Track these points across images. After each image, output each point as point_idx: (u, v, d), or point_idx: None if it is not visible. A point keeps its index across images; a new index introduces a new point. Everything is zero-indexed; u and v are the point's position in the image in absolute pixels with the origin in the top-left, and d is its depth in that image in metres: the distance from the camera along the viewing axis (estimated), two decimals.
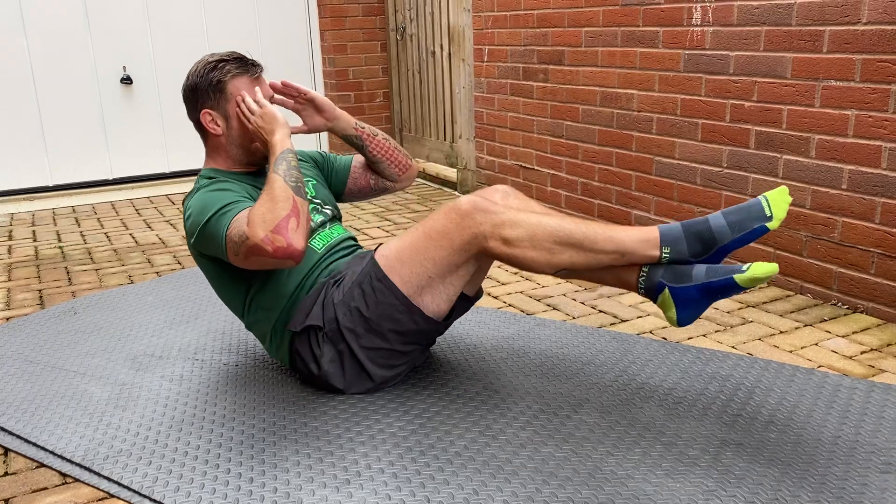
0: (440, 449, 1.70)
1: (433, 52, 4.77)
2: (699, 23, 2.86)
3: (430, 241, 1.79)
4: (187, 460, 1.70)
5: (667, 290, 1.74)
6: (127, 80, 4.82)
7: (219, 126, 1.97)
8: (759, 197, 1.73)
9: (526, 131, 3.91)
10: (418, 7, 4.84)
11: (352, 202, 2.37)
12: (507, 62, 3.96)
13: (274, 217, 1.70)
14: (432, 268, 1.81)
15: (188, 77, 1.97)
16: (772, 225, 1.68)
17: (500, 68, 4.03)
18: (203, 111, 1.96)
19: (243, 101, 1.94)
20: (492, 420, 1.82)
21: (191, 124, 5.19)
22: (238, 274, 1.97)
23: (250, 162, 2.03)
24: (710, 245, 1.71)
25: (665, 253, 1.73)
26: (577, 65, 3.48)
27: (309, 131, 2.18)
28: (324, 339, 1.91)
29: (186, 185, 5.01)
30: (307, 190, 2.09)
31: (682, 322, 1.75)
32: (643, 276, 1.77)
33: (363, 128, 2.20)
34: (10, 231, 4.03)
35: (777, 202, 1.69)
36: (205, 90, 1.95)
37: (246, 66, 1.97)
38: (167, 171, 5.05)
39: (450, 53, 4.56)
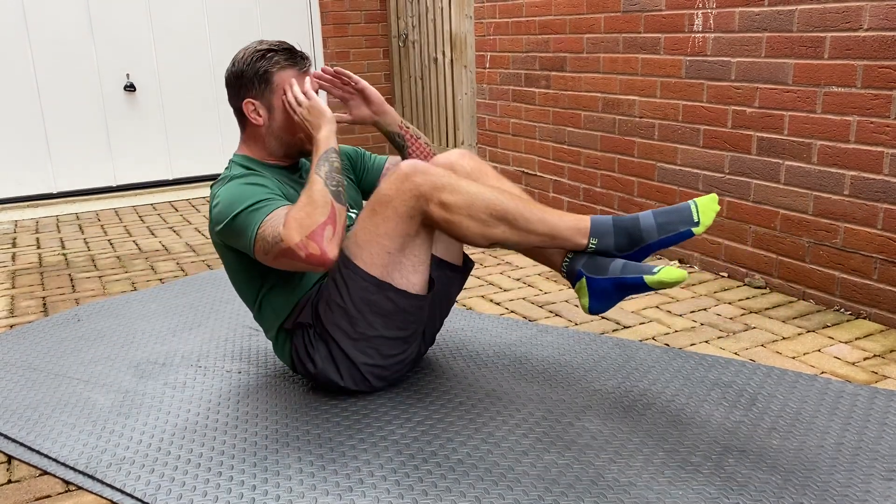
0: (442, 456, 1.70)
1: (435, 59, 4.78)
2: (700, 29, 2.86)
3: (377, 216, 1.79)
4: (190, 468, 1.70)
5: (584, 279, 1.80)
6: (130, 88, 4.84)
7: (260, 117, 1.94)
8: (689, 201, 1.78)
9: (528, 137, 3.92)
10: (420, 14, 4.86)
11: None
12: (509, 69, 3.97)
13: (311, 223, 1.71)
14: (388, 243, 1.80)
15: (234, 63, 1.94)
16: (697, 230, 1.74)
17: (502, 75, 4.03)
18: (246, 100, 1.93)
19: (291, 89, 1.91)
20: (494, 427, 1.82)
21: (193, 131, 5.16)
22: (254, 270, 1.95)
23: (286, 155, 2.00)
24: (636, 242, 1.77)
25: (592, 243, 1.79)
26: (579, 71, 3.49)
27: (353, 121, 2.14)
28: (315, 338, 1.91)
29: (190, 192, 5.02)
30: None
31: (592, 311, 1.82)
32: (566, 261, 1.84)
33: (408, 128, 2.16)
34: (14, 238, 4.04)
35: (705, 209, 1.75)
36: (250, 79, 1.91)
37: (294, 58, 1.93)
38: (170, 178, 5.07)
39: (452, 60, 4.57)
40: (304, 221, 1.71)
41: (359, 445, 1.76)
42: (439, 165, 1.90)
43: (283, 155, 2.00)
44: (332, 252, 1.72)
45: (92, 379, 2.20)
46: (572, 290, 2.85)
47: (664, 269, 1.69)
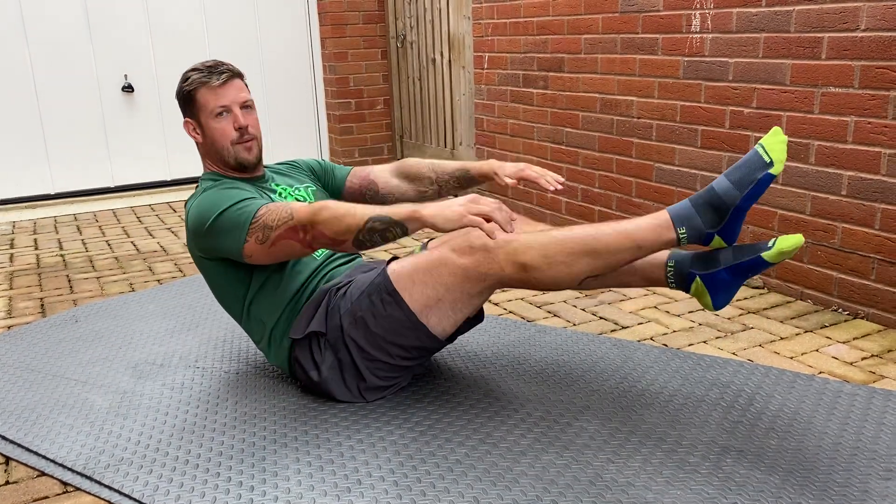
0: (441, 457, 1.70)
1: (433, 60, 4.78)
2: (698, 30, 2.86)
3: (444, 268, 1.79)
4: (188, 469, 1.70)
5: (698, 279, 1.74)
6: (128, 89, 4.84)
7: (198, 134, 2.04)
8: (755, 147, 1.68)
9: (526, 138, 3.92)
10: (418, 15, 4.86)
11: None
12: (507, 69, 3.97)
13: (322, 227, 1.73)
14: (444, 292, 1.81)
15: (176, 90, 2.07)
16: (775, 170, 1.64)
17: (500, 75, 4.04)
18: (185, 120, 2.06)
19: (498, 213, 1.66)
20: (492, 428, 1.82)
21: None
22: (237, 277, 1.99)
23: (231, 167, 2.05)
24: (723, 210, 1.67)
25: (682, 233, 1.70)
26: (577, 72, 3.49)
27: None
28: (325, 346, 1.91)
29: (188, 193, 5.01)
30: (306, 197, 2.11)
31: (717, 306, 1.76)
32: (671, 269, 1.77)
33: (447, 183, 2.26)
34: (12, 239, 4.04)
35: (773, 146, 1.65)
36: (181, 101, 2.03)
37: (210, 75, 1.98)
38: (168, 178, 5.07)
39: (450, 61, 4.57)
40: (322, 218, 1.73)
41: (357, 446, 1.76)
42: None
43: (230, 167, 2.05)
44: (315, 248, 1.80)
45: (90, 380, 2.20)
46: (571, 291, 2.85)
47: (779, 238, 1.63)
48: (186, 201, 2.01)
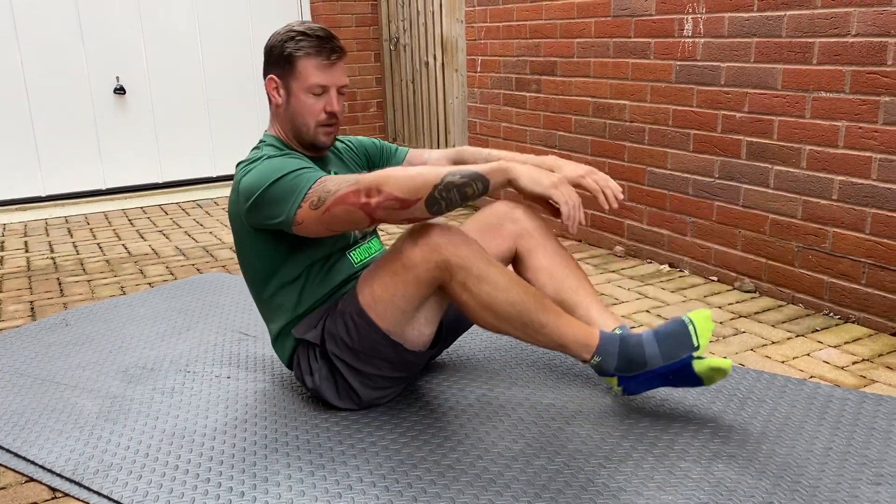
0: (432, 462, 1.70)
1: (426, 63, 4.78)
2: (690, 34, 2.87)
3: (398, 277, 1.75)
4: (178, 474, 1.69)
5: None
6: (120, 91, 4.82)
7: (279, 96, 1.92)
8: (686, 321, 1.76)
9: (519, 141, 3.92)
10: (412, 18, 4.86)
11: None
12: (499, 73, 3.97)
13: (391, 187, 1.62)
14: (405, 304, 1.78)
15: (272, 36, 1.93)
16: (697, 354, 1.74)
17: (492, 79, 4.04)
18: (269, 76, 1.92)
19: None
20: (483, 433, 1.82)
21: (184, 134, 5.15)
22: (276, 258, 1.89)
23: (299, 142, 1.94)
24: (637, 368, 1.77)
25: (594, 361, 1.78)
26: (570, 75, 3.50)
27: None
28: (320, 357, 1.90)
29: (180, 195, 5.00)
30: None
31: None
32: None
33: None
34: (2, 242, 4.02)
35: (703, 330, 1.75)
36: (277, 57, 1.89)
37: (322, 49, 1.86)
38: (160, 181, 5.05)
39: (443, 64, 4.57)
40: (392, 178, 1.63)
41: (348, 451, 1.75)
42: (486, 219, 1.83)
43: (297, 140, 1.94)
44: (377, 217, 1.66)
45: (80, 384, 2.19)
46: None
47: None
48: (239, 162, 1.90)
